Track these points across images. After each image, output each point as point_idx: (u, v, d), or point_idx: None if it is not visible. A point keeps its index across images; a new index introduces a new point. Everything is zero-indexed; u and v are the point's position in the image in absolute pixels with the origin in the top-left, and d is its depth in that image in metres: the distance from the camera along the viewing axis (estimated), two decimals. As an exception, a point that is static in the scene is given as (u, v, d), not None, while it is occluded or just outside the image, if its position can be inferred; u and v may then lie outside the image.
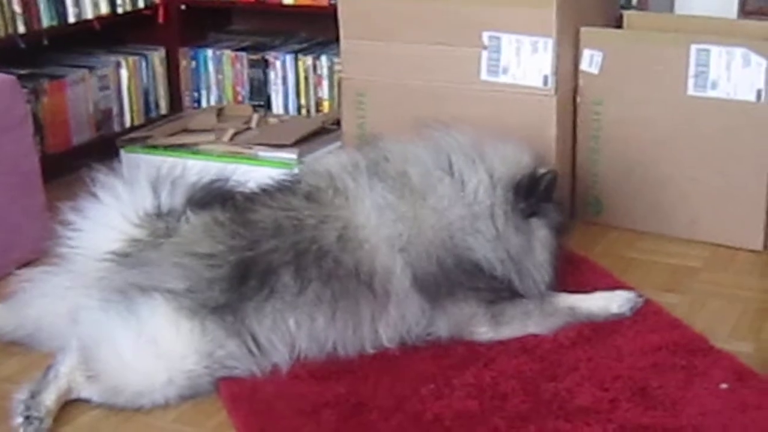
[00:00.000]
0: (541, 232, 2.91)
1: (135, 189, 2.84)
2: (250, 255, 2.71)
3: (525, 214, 2.88)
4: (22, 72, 4.03)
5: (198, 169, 2.99)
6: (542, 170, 2.93)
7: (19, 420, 2.51)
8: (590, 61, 3.54)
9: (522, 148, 2.97)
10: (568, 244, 3.11)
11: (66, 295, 2.77)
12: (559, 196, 3.03)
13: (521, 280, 2.87)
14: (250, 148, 4.09)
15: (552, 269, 2.92)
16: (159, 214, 2.81)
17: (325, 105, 4.56)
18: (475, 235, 2.82)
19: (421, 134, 2.97)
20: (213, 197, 2.88)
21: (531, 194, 2.88)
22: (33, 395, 2.55)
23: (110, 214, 2.82)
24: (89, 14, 4.28)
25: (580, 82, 3.59)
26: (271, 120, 4.48)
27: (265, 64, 4.64)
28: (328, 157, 3.16)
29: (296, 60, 4.58)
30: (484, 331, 2.84)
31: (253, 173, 3.43)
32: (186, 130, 4.31)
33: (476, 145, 2.92)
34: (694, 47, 3.37)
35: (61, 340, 2.69)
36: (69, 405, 2.61)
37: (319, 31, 4.67)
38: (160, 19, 4.66)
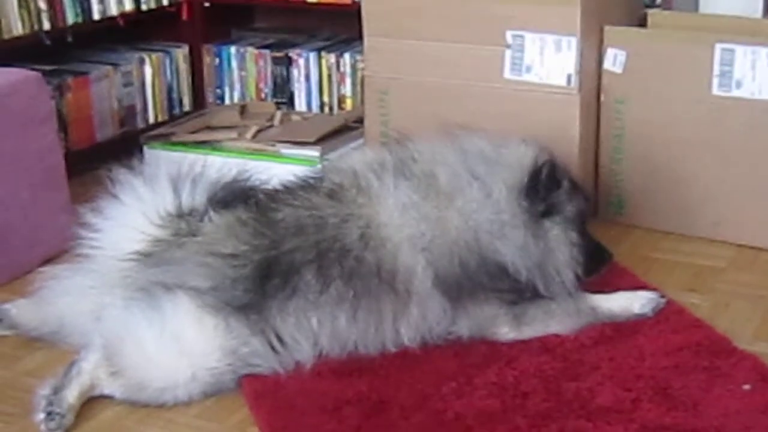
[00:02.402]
0: (554, 232, 2.88)
1: (155, 189, 2.85)
2: (273, 254, 2.71)
3: (540, 216, 2.86)
4: (47, 68, 4.05)
5: (218, 165, 3.00)
6: (539, 161, 2.89)
7: (41, 416, 2.52)
8: (614, 60, 3.54)
9: (523, 145, 2.94)
10: (589, 228, 3.08)
11: (89, 293, 2.78)
12: (573, 177, 2.99)
13: (546, 284, 2.87)
14: (272, 145, 4.10)
15: (577, 265, 2.90)
16: (180, 215, 2.82)
17: (348, 102, 4.57)
18: (503, 240, 2.81)
19: (446, 136, 2.96)
20: (234, 196, 2.89)
21: (536, 191, 2.85)
22: (55, 391, 2.56)
23: (131, 215, 2.82)
24: (114, 11, 4.30)
25: (604, 81, 3.58)
26: (294, 117, 4.48)
27: (289, 62, 4.65)
28: (353, 155, 3.16)
29: (319, 57, 4.59)
30: (505, 332, 2.84)
31: (276, 170, 3.46)
32: (209, 127, 4.32)
33: (494, 152, 2.90)
34: (718, 46, 3.36)
35: (85, 338, 2.70)
36: (92, 401, 2.62)
37: (342, 29, 4.67)
38: (184, 16, 4.68)
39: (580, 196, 2.99)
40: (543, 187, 2.85)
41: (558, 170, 2.91)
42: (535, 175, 2.86)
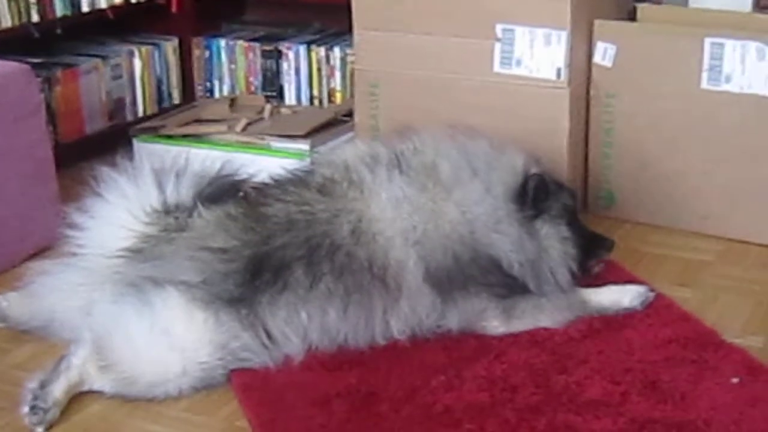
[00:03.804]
0: (544, 230, 2.91)
1: (140, 185, 2.84)
2: (263, 250, 2.71)
3: (528, 219, 2.88)
4: (36, 61, 4.04)
5: (201, 158, 2.98)
6: (531, 172, 2.93)
7: (26, 409, 2.52)
8: (603, 54, 3.54)
9: (518, 152, 2.96)
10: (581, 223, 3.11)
11: (79, 290, 2.77)
12: (552, 183, 3.00)
13: (538, 283, 2.88)
14: (262, 138, 4.09)
15: (571, 260, 2.93)
16: (168, 210, 2.81)
17: (338, 96, 4.57)
18: (499, 234, 2.83)
19: (449, 133, 2.97)
20: (223, 192, 2.89)
21: (524, 200, 2.88)
22: (42, 385, 2.55)
23: (117, 213, 2.81)
24: (103, 3, 4.29)
25: (594, 75, 3.58)
26: (284, 110, 4.48)
27: (278, 55, 4.64)
28: (345, 148, 3.15)
29: (309, 50, 4.59)
30: (495, 325, 2.84)
31: (264, 163, 3.46)
32: (198, 120, 4.31)
33: (495, 154, 2.93)
34: (708, 41, 3.37)
35: (75, 333, 2.69)
36: (81, 394, 2.62)
37: (332, 22, 4.67)
38: (174, 9, 4.67)
39: (565, 193, 3.02)
40: (530, 198, 2.88)
41: (545, 180, 2.93)
42: (523, 185, 2.89)
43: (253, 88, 4.73)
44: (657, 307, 2.95)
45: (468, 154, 2.91)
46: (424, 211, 2.79)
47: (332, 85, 4.57)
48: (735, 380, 2.59)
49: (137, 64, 4.56)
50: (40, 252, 3.20)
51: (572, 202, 3.06)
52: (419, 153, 2.89)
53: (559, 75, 3.50)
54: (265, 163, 3.46)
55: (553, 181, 3.00)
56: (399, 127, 3.09)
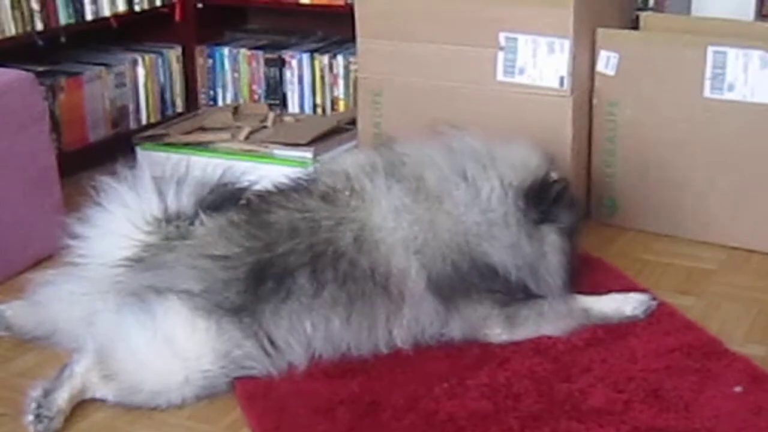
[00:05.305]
0: (551, 237, 2.90)
1: (140, 194, 2.84)
2: (266, 257, 2.71)
3: (536, 222, 2.87)
4: (40, 69, 4.05)
5: (202, 166, 2.98)
6: (553, 177, 2.92)
7: (30, 418, 2.52)
8: (606, 62, 3.54)
9: (531, 149, 2.95)
10: (580, 243, 3.09)
11: (82, 300, 2.77)
12: (571, 196, 3.00)
13: (537, 284, 2.87)
14: (265, 146, 4.10)
15: (565, 273, 2.92)
16: (168, 219, 2.81)
17: (341, 104, 4.57)
18: (491, 241, 2.82)
19: (435, 137, 2.97)
20: (225, 199, 2.89)
21: (541, 202, 2.87)
22: (46, 394, 2.55)
23: (118, 222, 2.81)
24: (107, 12, 4.29)
25: (596, 83, 3.58)
26: (287, 119, 4.48)
27: (282, 63, 4.65)
28: (345, 157, 3.15)
29: (312, 59, 4.59)
30: (498, 333, 2.84)
31: (266, 171, 3.46)
32: (202, 128, 4.31)
33: (488, 150, 2.91)
34: (710, 49, 3.37)
35: (78, 343, 2.69)
36: (84, 402, 2.62)
37: (335, 30, 4.67)
38: (177, 17, 4.67)
39: (575, 209, 3.01)
40: (548, 203, 2.88)
41: (569, 190, 2.93)
42: (545, 188, 2.87)
43: (256, 97, 4.73)
44: (660, 316, 2.95)
45: (454, 158, 2.89)
46: (422, 220, 2.80)
47: (335, 94, 4.58)
48: (738, 389, 2.58)
49: (140, 72, 4.57)
50: (43, 260, 3.20)
51: (578, 220, 3.06)
52: (406, 164, 2.89)
53: (562, 83, 3.50)
54: (268, 171, 3.46)
55: (570, 193, 2.99)
56: (384, 138, 3.09)
